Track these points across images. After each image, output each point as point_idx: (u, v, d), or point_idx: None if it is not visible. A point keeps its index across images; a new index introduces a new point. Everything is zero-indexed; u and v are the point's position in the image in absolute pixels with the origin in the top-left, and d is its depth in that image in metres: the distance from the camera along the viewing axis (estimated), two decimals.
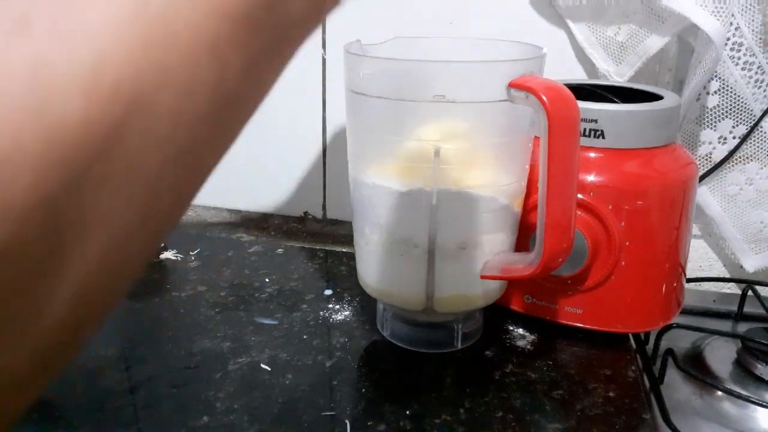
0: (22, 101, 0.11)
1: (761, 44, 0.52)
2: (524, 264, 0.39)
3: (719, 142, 0.55)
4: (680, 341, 0.51)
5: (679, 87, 0.57)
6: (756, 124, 0.54)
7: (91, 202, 0.13)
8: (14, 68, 0.12)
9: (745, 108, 0.54)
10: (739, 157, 0.55)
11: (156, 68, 0.13)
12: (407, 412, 0.39)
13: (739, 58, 0.52)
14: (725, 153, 0.55)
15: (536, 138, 0.38)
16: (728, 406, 0.45)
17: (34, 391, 0.15)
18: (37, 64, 0.12)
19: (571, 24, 0.57)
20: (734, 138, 0.55)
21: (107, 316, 0.16)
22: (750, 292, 0.56)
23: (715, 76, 0.53)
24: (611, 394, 0.41)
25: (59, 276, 0.13)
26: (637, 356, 0.47)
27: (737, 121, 0.54)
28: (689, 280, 0.56)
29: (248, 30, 0.15)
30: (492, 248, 0.42)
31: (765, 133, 0.54)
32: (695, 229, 0.60)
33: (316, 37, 0.58)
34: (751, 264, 0.58)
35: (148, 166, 0.14)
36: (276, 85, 0.18)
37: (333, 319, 0.49)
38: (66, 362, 0.16)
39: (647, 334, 0.51)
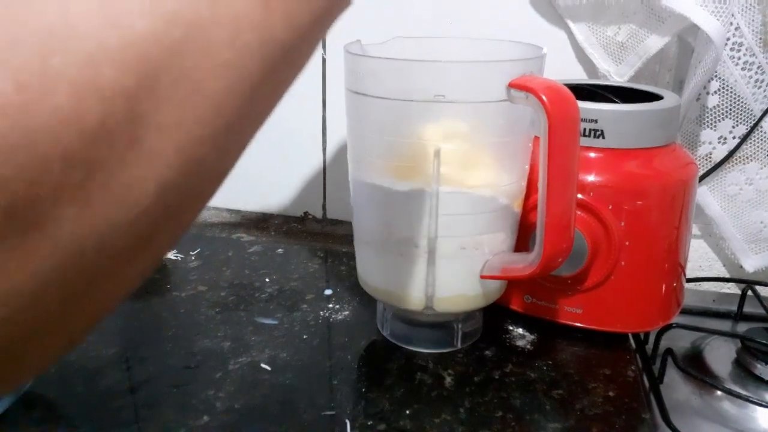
0: (99, 13, 0.14)
1: (761, 44, 0.52)
2: (524, 264, 0.39)
3: (719, 142, 0.55)
4: (680, 341, 0.51)
5: (679, 87, 0.57)
6: (756, 124, 0.54)
7: (164, 103, 0.15)
8: None
9: (745, 108, 0.54)
10: (739, 157, 0.56)
11: (205, 1, 0.16)
12: (407, 412, 0.39)
13: (739, 58, 0.52)
14: (725, 153, 0.55)
15: (536, 138, 0.38)
16: (728, 406, 0.45)
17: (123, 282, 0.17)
18: None
19: (571, 24, 0.57)
20: (734, 138, 0.55)
21: (186, 226, 0.18)
22: (750, 292, 0.56)
23: (715, 76, 0.53)
24: (611, 393, 0.41)
25: (144, 165, 0.15)
26: (637, 356, 0.47)
27: (737, 121, 0.54)
28: (689, 280, 0.56)
29: None
30: (492, 248, 0.42)
31: (765, 133, 0.54)
32: (695, 229, 0.60)
33: None
34: (750, 264, 0.58)
35: (211, 87, 0.16)
36: None
37: (333, 318, 0.49)
38: (154, 257, 0.17)
39: (647, 334, 0.51)
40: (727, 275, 0.61)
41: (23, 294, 0.13)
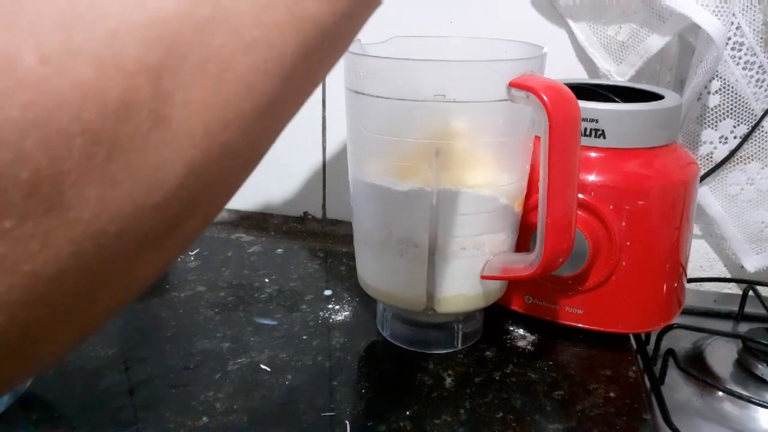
0: None
1: (762, 44, 0.52)
2: (525, 264, 0.39)
3: (720, 142, 0.55)
4: (681, 341, 0.51)
5: (680, 86, 0.56)
6: (757, 124, 0.54)
7: (191, 82, 0.15)
8: None
9: (746, 108, 0.53)
10: (740, 157, 0.55)
11: None
12: (407, 413, 0.39)
13: (740, 58, 0.52)
14: (726, 153, 0.55)
15: (537, 138, 0.38)
16: (729, 407, 0.45)
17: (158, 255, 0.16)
18: None
19: (571, 23, 0.56)
20: (735, 138, 0.55)
21: (213, 215, 0.18)
22: (751, 293, 0.56)
23: (716, 76, 0.53)
24: (612, 394, 0.41)
25: (170, 145, 0.14)
26: (638, 356, 0.47)
27: (738, 121, 0.54)
28: (690, 280, 0.56)
29: None
30: (492, 248, 0.42)
31: (766, 132, 0.54)
32: (696, 229, 0.60)
33: None
34: (752, 264, 0.58)
35: (241, 66, 0.16)
36: None
37: (333, 319, 0.49)
38: (178, 236, 0.17)
39: (648, 335, 0.51)
40: (729, 275, 0.61)
41: (44, 277, 0.13)
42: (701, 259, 0.61)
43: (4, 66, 0.12)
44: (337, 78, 0.64)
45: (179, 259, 0.58)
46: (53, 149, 0.12)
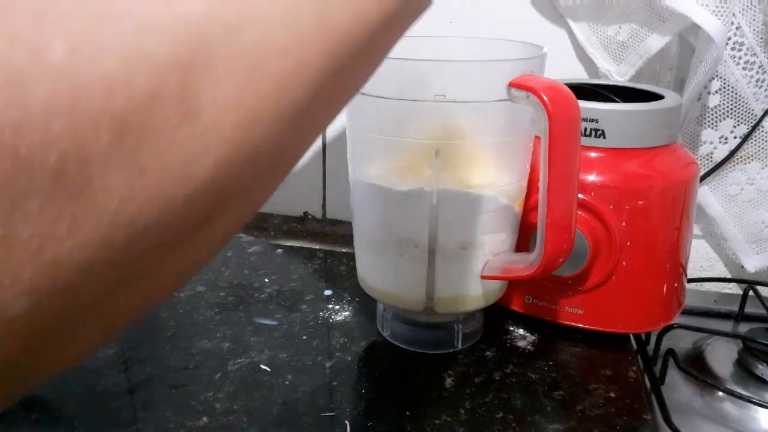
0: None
1: (762, 44, 0.52)
2: (525, 264, 0.39)
3: (720, 142, 0.55)
4: (681, 341, 0.51)
5: (680, 86, 0.56)
6: (757, 124, 0.54)
7: (222, 79, 0.15)
8: None
9: (746, 108, 0.53)
10: (740, 157, 0.55)
11: None
12: (407, 413, 0.39)
13: (740, 58, 0.52)
14: (726, 153, 0.55)
15: (537, 138, 0.38)
16: (729, 407, 0.45)
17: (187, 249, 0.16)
18: None
19: (571, 23, 0.56)
20: (735, 138, 0.55)
21: (246, 216, 0.18)
22: (751, 293, 0.56)
23: (716, 76, 0.53)
24: (612, 394, 0.41)
25: (200, 139, 0.15)
26: (638, 357, 0.47)
27: (738, 121, 0.54)
28: (690, 281, 0.56)
29: None
30: (492, 248, 0.42)
31: (766, 132, 0.54)
32: (696, 229, 0.60)
33: None
34: (752, 264, 0.58)
35: (273, 68, 0.16)
36: None
37: (333, 319, 0.49)
38: (208, 237, 0.17)
39: (648, 335, 0.50)
40: (729, 275, 0.61)
41: (72, 265, 0.13)
42: (701, 259, 0.61)
43: (34, 53, 0.12)
44: None
45: None
46: (81, 134, 0.12)
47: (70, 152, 0.12)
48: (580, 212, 0.43)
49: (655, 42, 0.53)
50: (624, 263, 0.44)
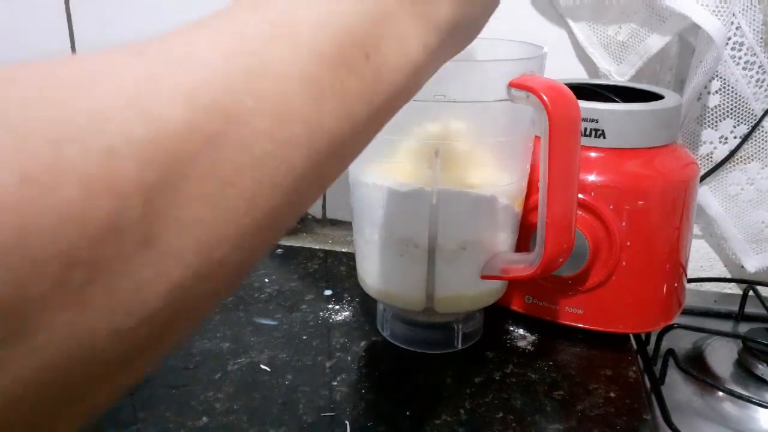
0: (129, 102, 0.13)
1: (762, 44, 0.52)
2: (525, 264, 0.39)
3: (720, 142, 0.55)
4: (681, 341, 0.51)
5: (680, 86, 0.56)
6: (757, 124, 0.54)
7: (188, 199, 0.14)
8: (123, 79, 0.14)
9: (746, 108, 0.53)
10: (740, 157, 0.55)
11: (250, 93, 0.15)
12: (407, 413, 0.39)
13: (740, 58, 0.52)
14: (726, 153, 0.55)
15: (537, 138, 0.38)
16: (729, 407, 0.45)
17: (124, 377, 0.15)
18: (142, 79, 0.14)
19: (571, 23, 0.56)
20: (735, 138, 0.55)
21: (202, 319, 0.16)
22: (751, 293, 0.56)
23: (716, 76, 0.53)
24: (612, 394, 0.41)
25: (156, 266, 0.13)
26: (638, 357, 0.47)
27: (738, 121, 0.54)
28: (690, 281, 0.56)
29: (343, 71, 0.17)
30: (492, 248, 0.42)
31: (766, 132, 0.54)
32: (696, 229, 0.60)
33: None
34: (752, 264, 0.58)
35: (246, 182, 0.15)
36: None
37: (333, 319, 0.49)
38: (153, 354, 0.15)
39: (648, 335, 0.50)
40: (729, 275, 0.61)
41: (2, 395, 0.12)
42: (701, 259, 0.61)
43: None
44: None
45: None
46: (22, 275, 0.11)
47: (7, 295, 0.11)
48: (580, 212, 0.43)
49: (655, 42, 0.53)
50: (624, 263, 0.44)
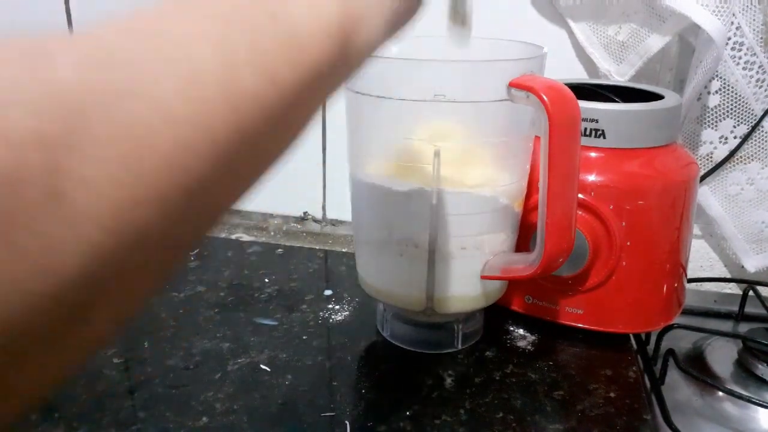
0: (23, 55, 0.13)
1: (762, 44, 0.52)
2: (525, 264, 0.39)
3: (720, 142, 0.55)
4: (681, 341, 0.51)
5: (680, 86, 0.56)
6: (757, 124, 0.54)
7: (96, 157, 0.13)
8: (17, 42, 0.14)
9: (746, 108, 0.53)
10: (740, 157, 0.55)
11: (154, 53, 0.15)
12: (407, 413, 0.39)
13: (740, 58, 0.52)
14: (726, 153, 0.55)
15: (537, 138, 0.38)
16: (729, 407, 0.45)
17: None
18: (36, 41, 0.14)
19: (571, 23, 0.56)
20: (735, 138, 0.55)
21: (142, 295, 0.16)
22: (751, 293, 0.56)
23: (716, 76, 0.53)
24: (612, 394, 0.41)
25: (69, 224, 0.13)
26: (638, 357, 0.47)
27: (738, 121, 0.54)
28: (690, 281, 0.56)
29: (249, 31, 0.17)
30: (492, 248, 0.42)
31: (766, 132, 0.54)
32: (696, 229, 0.60)
33: None
34: (752, 264, 0.58)
35: (161, 143, 0.15)
36: None
37: (333, 319, 0.49)
38: (90, 330, 0.15)
39: (648, 335, 0.50)
40: (729, 275, 0.61)
41: None
42: (701, 259, 0.61)
43: None
44: None
45: None
46: None
47: None
48: (580, 212, 0.43)
49: (655, 42, 0.53)
50: (624, 263, 0.44)
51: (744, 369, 0.48)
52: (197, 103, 0.15)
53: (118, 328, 0.16)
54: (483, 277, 0.42)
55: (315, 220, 0.70)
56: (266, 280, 0.55)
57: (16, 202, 0.12)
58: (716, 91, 0.54)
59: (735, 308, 0.56)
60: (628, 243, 0.43)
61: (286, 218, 0.70)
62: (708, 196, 0.57)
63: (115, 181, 0.14)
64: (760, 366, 0.47)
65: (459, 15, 0.35)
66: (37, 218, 0.12)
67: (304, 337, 0.46)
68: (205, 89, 0.15)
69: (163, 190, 0.14)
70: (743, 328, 0.53)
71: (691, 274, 0.57)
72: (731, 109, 0.54)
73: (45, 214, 0.12)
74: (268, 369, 0.43)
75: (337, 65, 0.20)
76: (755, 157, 0.55)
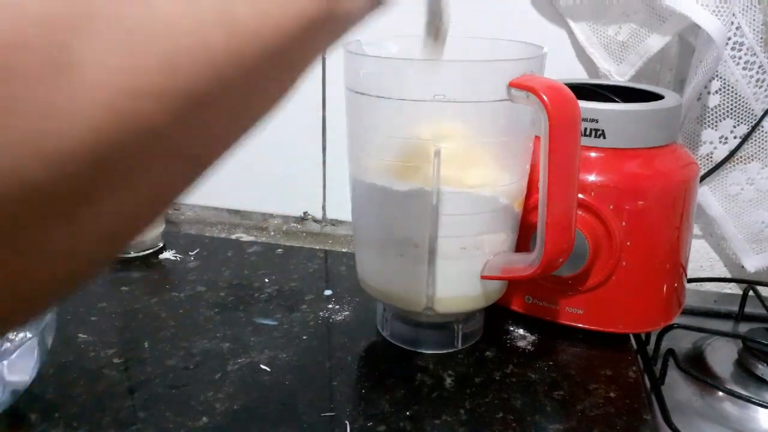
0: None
1: (762, 44, 0.52)
2: (525, 264, 0.39)
3: (720, 142, 0.55)
4: (681, 341, 0.51)
5: (680, 86, 0.56)
6: (757, 124, 0.54)
7: (99, 38, 0.14)
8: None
9: (746, 107, 0.53)
10: (740, 157, 0.55)
11: None
12: (407, 413, 0.39)
13: (740, 58, 0.52)
14: (726, 153, 0.55)
15: (537, 138, 0.38)
16: (729, 407, 0.45)
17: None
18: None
19: (571, 23, 0.56)
20: (735, 138, 0.55)
21: (143, 193, 0.17)
22: (751, 292, 0.56)
23: (716, 76, 0.53)
24: (612, 394, 0.41)
25: (73, 94, 0.14)
26: (638, 357, 0.47)
27: (738, 121, 0.54)
28: (690, 281, 0.56)
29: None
30: (492, 248, 0.42)
31: (766, 132, 0.54)
32: (696, 229, 0.60)
33: None
34: (752, 264, 0.58)
35: (160, 42, 0.15)
36: None
37: (333, 319, 0.49)
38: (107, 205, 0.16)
39: (648, 335, 0.50)
40: (729, 275, 0.61)
41: None
42: (701, 259, 0.61)
43: None
44: (337, 78, 0.64)
45: (179, 260, 0.58)
46: None
47: None
48: (580, 212, 0.43)
49: (655, 42, 0.53)
50: (624, 263, 0.44)
51: (744, 369, 0.48)
52: (194, 22, 0.16)
53: (127, 231, 0.17)
54: (483, 277, 0.42)
55: (315, 220, 0.70)
56: (266, 280, 0.55)
57: (22, 63, 0.13)
58: (716, 91, 0.54)
59: (735, 308, 0.56)
60: (628, 243, 0.43)
61: (286, 218, 0.70)
62: (708, 196, 0.57)
63: (118, 67, 0.14)
64: (760, 366, 0.47)
65: (434, 28, 0.36)
66: (40, 84, 0.13)
67: (304, 337, 0.46)
68: (203, 12, 0.16)
69: (161, 87, 0.15)
70: (743, 328, 0.53)
71: (691, 274, 0.57)
72: (731, 109, 0.54)
73: (47, 82, 0.13)
74: (268, 369, 0.43)
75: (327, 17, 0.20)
76: (755, 157, 0.55)
